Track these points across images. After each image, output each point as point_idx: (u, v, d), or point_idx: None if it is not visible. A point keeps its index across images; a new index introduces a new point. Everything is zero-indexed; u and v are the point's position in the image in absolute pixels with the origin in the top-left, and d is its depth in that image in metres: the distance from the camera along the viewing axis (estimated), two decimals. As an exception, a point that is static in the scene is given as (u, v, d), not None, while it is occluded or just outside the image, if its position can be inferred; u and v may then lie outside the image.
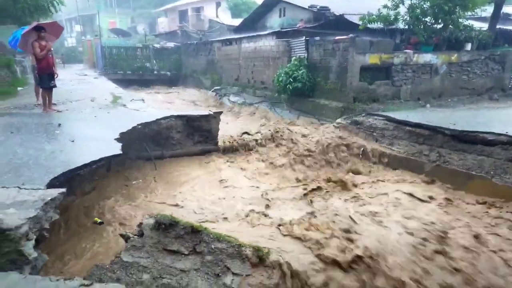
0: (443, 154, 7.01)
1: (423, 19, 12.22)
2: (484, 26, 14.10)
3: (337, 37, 11.56)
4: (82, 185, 5.64)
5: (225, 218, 5.31)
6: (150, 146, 7.29)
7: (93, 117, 8.32)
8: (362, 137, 8.69)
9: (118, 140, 5.88)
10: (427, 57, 12.13)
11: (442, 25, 12.40)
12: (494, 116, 9.16)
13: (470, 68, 13.07)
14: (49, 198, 3.61)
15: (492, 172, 6.20)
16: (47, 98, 9.27)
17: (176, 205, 5.65)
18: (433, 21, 12.33)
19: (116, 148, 5.43)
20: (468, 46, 13.06)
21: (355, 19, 13.18)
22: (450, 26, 12.44)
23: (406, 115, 8.52)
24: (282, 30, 15.08)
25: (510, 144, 6.27)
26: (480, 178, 6.24)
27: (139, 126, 6.85)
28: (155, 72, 25.70)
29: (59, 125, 7.18)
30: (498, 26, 13.93)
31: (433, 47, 12.38)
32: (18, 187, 3.91)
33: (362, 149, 8.18)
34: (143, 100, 12.00)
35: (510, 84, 14.20)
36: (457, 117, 8.42)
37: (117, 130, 6.34)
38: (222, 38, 20.67)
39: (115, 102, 11.04)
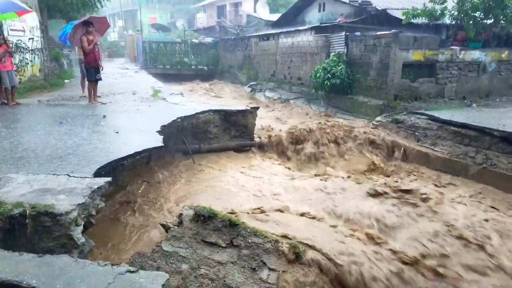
0: (490, 156, 6.67)
1: (473, 13, 11.60)
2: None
3: (378, 33, 11.22)
4: (126, 175, 5.85)
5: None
6: (189, 140, 7.43)
7: (135, 109, 8.59)
8: (403, 136, 8.43)
9: (159, 132, 6.04)
10: (474, 54, 11.52)
11: (492, 20, 11.72)
12: (547, 117, 8.57)
13: (522, 66, 12.29)
14: (96, 186, 3.77)
15: (545, 177, 5.83)
16: (92, 91, 9.68)
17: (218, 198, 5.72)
18: (483, 16, 11.68)
19: (157, 140, 5.59)
20: (521, 43, 12.29)
21: (398, 14, 12.73)
22: (502, 21, 11.73)
23: (450, 115, 8.16)
24: (321, 25, 14.83)
25: None
26: (532, 183, 5.89)
27: (179, 120, 7.00)
28: (193, 67, 26.12)
29: (104, 116, 7.48)
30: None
31: (482, 43, 11.74)
32: (67, 174, 4.11)
33: (402, 148, 7.93)
34: (182, 94, 12.25)
35: None
36: (506, 118, 7.97)
37: (158, 122, 6.52)
38: (259, 33, 20.65)
39: (156, 95, 11.34)
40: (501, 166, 6.44)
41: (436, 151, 7.50)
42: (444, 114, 8.26)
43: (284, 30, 17.49)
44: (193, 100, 13.03)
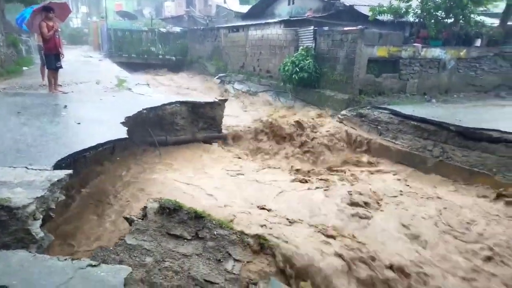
0: (446, 150, 7.02)
1: (435, 13, 12.07)
2: (496, 22, 13.90)
3: (346, 28, 11.45)
4: (87, 167, 5.69)
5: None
6: (155, 131, 7.32)
7: (99, 100, 8.34)
8: (366, 130, 8.69)
9: (123, 123, 5.91)
10: (435, 52, 12.01)
11: (453, 19, 12.24)
12: (500, 113, 9.11)
13: (478, 64, 12.93)
14: (56, 179, 3.65)
15: (495, 170, 6.21)
16: (53, 79, 9.28)
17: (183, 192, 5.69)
18: (445, 15, 12.17)
19: (122, 132, 5.47)
20: (478, 42, 12.91)
21: (365, 10, 13.01)
22: (461, 21, 12.28)
23: (411, 110, 8.50)
24: (291, 18, 14.93)
25: (515, 142, 6.26)
26: (483, 175, 6.25)
27: (144, 111, 6.87)
28: (160, 56, 25.56)
29: (65, 106, 7.21)
30: (509, 23, 13.74)
31: (442, 42, 12.25)
32: (25, 167, 3.96)
33: (366, 142, 8.19)
34: (148, 84, 11.99)
35: (518, 82, 14.07)
36: (463, 114, 8.40)
37: (122, 113, 6.37)
38: (229, 25, 20.49)
39: (120, 85, 11.04)
40: (456, 159, 6.79)
41: (397, 144, 7.81)
42: (405, 109, 8.59)
43: (254, 22, 17.45)
44: (160, 90, 12.79)
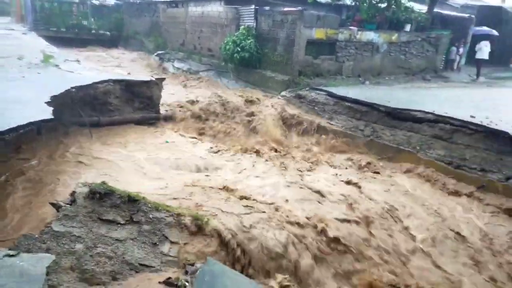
0: (376, 129, 7.46)
1: (369, -3, 12.56)
2: (423, 8, 14.83)
3: (286, 9, 11.51)
4: (7, 151, 5.23)
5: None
6: (86, 112, 6.88)
7: (21, 77, 7.61)
8: (305, 110, 8.93)
9: (49, 103, 5.47)
10: (370, 36, 12.56)
11: (385, 4, 12.83)
12: (425, 95, 9.84)
13: (407, 48, 13.79)
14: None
15: (418, 148, 6.74)
16: (-35, 53, 8.28)
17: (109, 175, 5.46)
18: (378, 0, 12.71)
19: (46, 112, 5.06)
20: (407, 27, 13.71)
21: (305, -9, 13.17)
22: (393, 6, 12.91)
23: (346, 91, 8.87)
24: (231, -4, 14.65)
25: (436, 122, 6.83)
26: (408, 152, 6.76)
27: (74, 90, 6.41)
28: (93, 31, 23.88)
29: (-21, 84, 6.49)
30: (435, 10, 14.73)
31: (376, 26, 12.82)
32: None
33: (304, 122, 8.42)
34: (78, 61, 11.18)
35: (441, 66, 15.26)
36: (392, 95, 8.94)
37: (48, 92, 5.89)
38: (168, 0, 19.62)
39: (47, 61, 10.14)
40: (385, 138, 7.26)
41: (332, 124, 8.14)
42: (340, 91, 8.95)
43: (194, -2, 16.87)
44: (92, 68, 11.98)
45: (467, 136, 6.38)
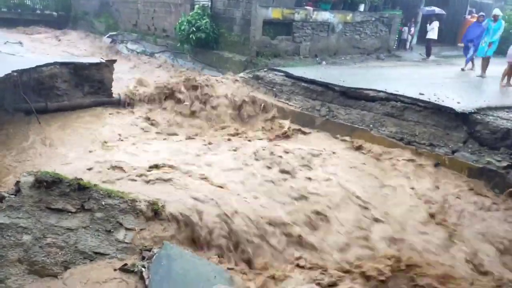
0: (332, 109, 7.61)
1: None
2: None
3: (241, -13, 11.30)
4: None
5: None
6: (32, 98, 6.47)
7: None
8: (263, 91, 8.91)
9: (-14, 88, 5.09)
10: (325, 16, 12.66)
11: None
12: (378, 74, 10.12)
13: (362, 28, 14.06)
14: None
15: (371, 125, 6.97)
16: None
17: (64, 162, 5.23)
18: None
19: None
20: (361, 7, 13.94)
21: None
22: (347, -14, 13.06)
23: (303, 72, 8.93)
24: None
25: (387, 100, 7.07)
26: (361, 130, 6.98)
27: (15, 73, 5.99)
28: (38, 11, 22.29)
29: None
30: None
31: (331, 5, 12.92)
32: None
33: (262, 104, 8.40)
34: (21, 43, 10.44)
35: (394, 45, 15.74)
36: (347, 75, 9.12)
37: (-15, 77, 5.46)
38: (117, -23, 18.62)
39: (-15, 43, 9.40)
40: (340, 117, 7.43)
41: (290, 105, 8.19)
42: (298, 71, 8.99)
43: (145, -25, 16.14)
44: (37, 50, 11.24)
45: (417, 113, 6.65)
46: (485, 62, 10.03)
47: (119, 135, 6.45)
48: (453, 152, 5.98)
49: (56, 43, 16.37)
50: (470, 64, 11.36)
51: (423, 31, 15.74)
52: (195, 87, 8.31)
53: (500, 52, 10.50)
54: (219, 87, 8.48)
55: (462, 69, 11.32)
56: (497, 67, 9.44)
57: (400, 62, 13.56)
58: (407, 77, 9.49)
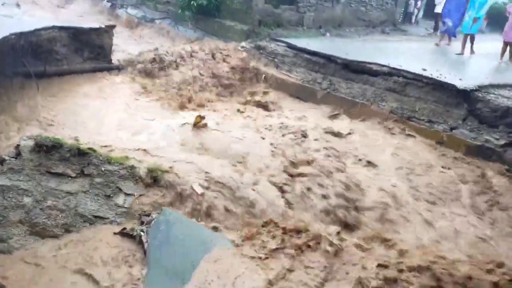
0: (334, 82, 7.54)
1: None
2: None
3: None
4: None
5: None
6: (30, 62, 6.38)
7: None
8: (264, 62, 8.79)
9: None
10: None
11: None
12: (383, 48, 9.93)
13: (368, 0, 13.70)
14: None
15: (372, 100, 6.94)
16: None
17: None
18: None
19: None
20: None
21: None
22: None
23: (306, 43, 8.77)
24: None
25: (390, 75, 6.99)
26: (362, 105, 6.96)
27: (13, 36, 5.89)
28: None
29: None
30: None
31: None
32: None
33: (264, 75, 8.30)
34: (18, 5, 10.18)
35: (400, 19, 15.38)
36: (351, 47, 8.96)
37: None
38: None
39: (-19, 4, 9.17)
40: (342, 90, 7.38)
41: (291, 77, 8.11)
42: (300, 42, 8.83)
43: None
44: (35, 13, 10.99)
45: (419, 88, 6.61)
46: (466, 39, 9.33)
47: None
48: (452, 129, 5.99)
49: (54, 6, 15.92)
50: (446, 39, 10.86)
51: (430, 5, 15.34)
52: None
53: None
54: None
55: (436, 44, 10.90)
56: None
57: (406, 37, 13.29)
58: (411, 52, 9.34)
